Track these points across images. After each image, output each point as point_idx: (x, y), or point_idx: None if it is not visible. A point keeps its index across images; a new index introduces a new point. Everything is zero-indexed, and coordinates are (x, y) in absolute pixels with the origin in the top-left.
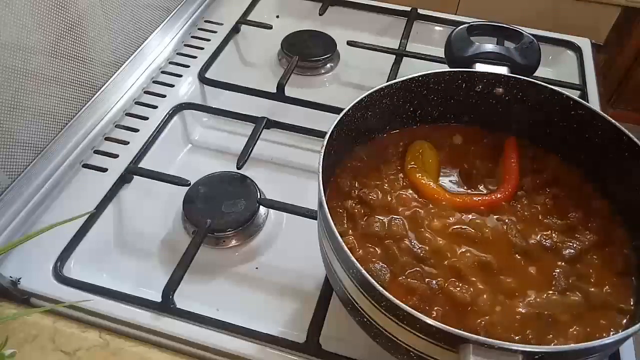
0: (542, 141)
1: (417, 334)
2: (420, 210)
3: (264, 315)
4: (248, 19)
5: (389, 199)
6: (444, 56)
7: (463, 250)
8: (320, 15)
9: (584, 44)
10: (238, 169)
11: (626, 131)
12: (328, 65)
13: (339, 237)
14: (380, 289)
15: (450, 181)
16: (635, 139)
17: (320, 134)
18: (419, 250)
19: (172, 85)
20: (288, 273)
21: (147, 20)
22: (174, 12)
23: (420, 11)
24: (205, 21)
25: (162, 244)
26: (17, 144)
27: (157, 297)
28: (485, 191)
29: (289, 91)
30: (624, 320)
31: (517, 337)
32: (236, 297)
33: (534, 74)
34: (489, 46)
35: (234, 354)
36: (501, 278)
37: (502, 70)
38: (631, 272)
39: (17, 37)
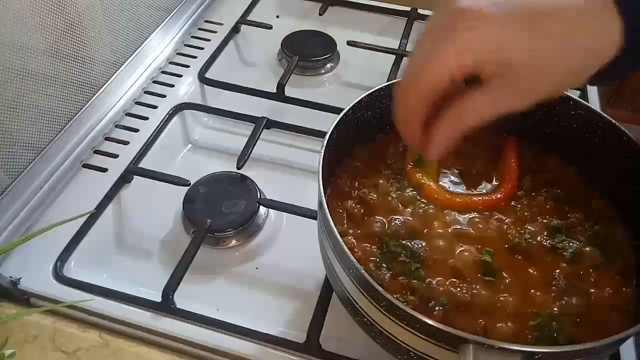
0: (542, 141)
1: (417, 334)
2: (420, 210)
3: (264, 315)
4: (248, 19)
5: (389, 199)
6: None
7: (463, 250)
8: (320, 15)
9: None
10: (238, 169)
11: (626, 131)
12: (328, 65)
13: (339, 237)
14: (380, 289)
15: (450, 181)
16: (635, 139)
17: (320, 134)
18: (419, 250)
19: (172, 85)
20: (288, 273)
21: (147, 20)
22: (174, 12)
23: (420, 11)
24: (205, 21)
25: (162, 244)
26: (17, 144)
27: (157, 297)
28: (485, 191)
29: (289, 91)
30: (624, 320)
31: (517, 337)
32: (236, 297)
33: None
34: None
35: (234, 354)
36: (501, 278)
37: None
38: (631, 272)
39: (17, 37)
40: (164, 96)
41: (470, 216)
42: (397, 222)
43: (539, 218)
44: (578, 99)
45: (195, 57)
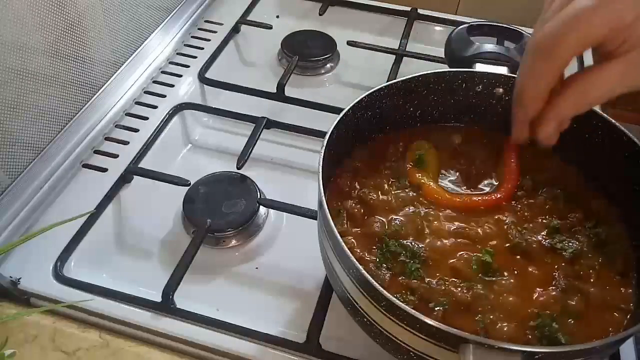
0: None
1: (417, 334)
2: (420, 210)
3: (264, 315)
4: (248, 19)
5: (389, 199)
6: (444, 56)
7: (463, 250)
8: (320, 15)
9: None
10: (238, 169)
11: (626, 131)
12: (328, 65)
13: (339, 237)
14: (380, 289)
15: (450, 181)
16: (635, 139)
17: (320, 134)
18: (419, 250)
19: (172, 85)
20: (288, 273)
21: (147, 20)
22: (174, 12)
23: (420, 11)
24: (205, 21)
25: (162, 244)
26: (17, 144)
27: (157, 297)
28: (485, 191)
29: (289, 91)
30: (624, 320)
31: (517, 337)
32: (236, 297)
33: None
34: (489, 46)
35: (234, 354)
36: (501, 278)
37: (502, 70)
38: (631, 272)
39: (17, 37)
40: (164, 96)
41: (470, 216)
42: (397, 222)
43: (539, 218)
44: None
45: (195, 57)
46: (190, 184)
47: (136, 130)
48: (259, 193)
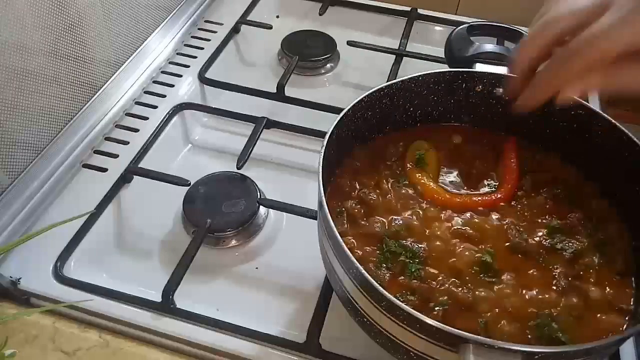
0: (542, 141)
1: (417, 334)
2: (420, 210)
3: (264, 315)
4: (248, 19)
5: (389, 199)
6: (444, 56)
7: (463, 250)
8: (320, 15)
9: None
10: (238, 169)
11: (626, 131)
12: (328, 65)
13: (339, 237)
14: (380, 289)
15: (450, 181)
16: (635, 139)
17: (320, 134)
18: (419, 251)
19: (172, 85)
20: (288, 273)
21: (147, 20)
22: (174, 12)
23: (420, 11)
24: (205, 21)
25: (162, 244)
26: (17, 144)
27: (157, 297)
28: (485, 191)
29: (289, 91)
30: (624, 320)
31: (517, 337)
32: (236, 297)
33: None
34: (489, 46)
35: (234, 354)
36: (501, 278)
37: (502, 70)
38: (631, 272)
39: (17, 37)
40: (164, 96)
41: (470, 216)
42: (397, 222)
43: (539, 218)
44: (578, 98)
45: (195, 57)
46: (190, 184)
47: (136, 130)
48: (259, 193)
